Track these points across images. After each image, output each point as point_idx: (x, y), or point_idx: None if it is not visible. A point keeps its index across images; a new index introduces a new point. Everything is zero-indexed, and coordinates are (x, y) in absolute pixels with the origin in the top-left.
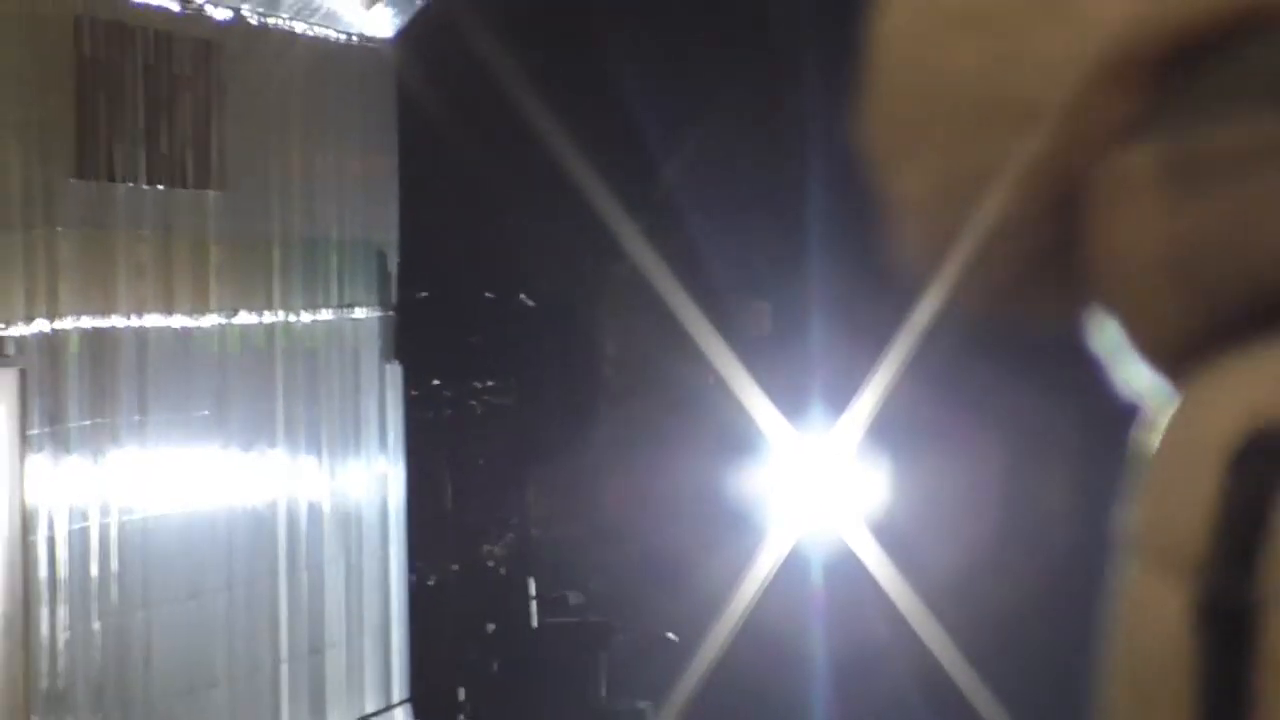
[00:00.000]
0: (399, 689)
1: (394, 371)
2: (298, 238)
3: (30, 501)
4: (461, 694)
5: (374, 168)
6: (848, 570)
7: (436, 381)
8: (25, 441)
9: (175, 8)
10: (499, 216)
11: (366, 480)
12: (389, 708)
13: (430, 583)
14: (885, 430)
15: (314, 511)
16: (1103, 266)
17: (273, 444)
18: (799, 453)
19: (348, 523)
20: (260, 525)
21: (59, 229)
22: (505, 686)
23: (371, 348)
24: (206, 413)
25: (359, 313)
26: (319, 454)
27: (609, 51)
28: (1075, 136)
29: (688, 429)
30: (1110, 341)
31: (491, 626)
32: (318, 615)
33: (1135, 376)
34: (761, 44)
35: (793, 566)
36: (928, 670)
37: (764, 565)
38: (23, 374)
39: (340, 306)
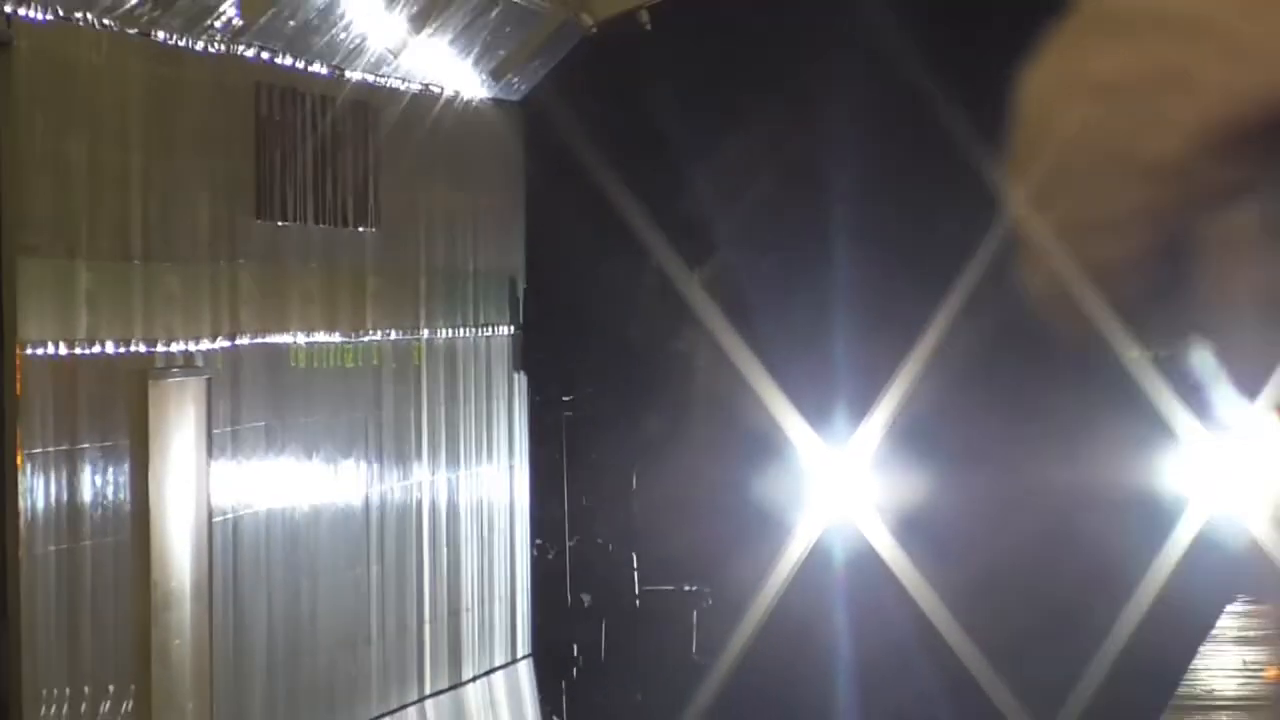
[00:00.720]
0: (523, 645)
1: (521, 381)
2: (440, 268)
3: (213, 489)
4: (575, 649)
5: (504, 208)
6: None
7: (556, 389)
8: (210, 438)
9: (335, 75)
10: (608, 250)
11: (497, 472)
12: (514, 661)
13: (550, 557)
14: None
15: (452, 497)
16: (1209, 304)
17: (418, 441)
18: (837, 454)
19: (481, 507)
20: (406, 509)
21: (241, 261)
22: (611, 644)
23: (502, 361)
24: (363, 415)
25: (491, 331)
26: (458, 449)
27: (697, 112)
28: (1191, 194)
29: (760, 430)
30: (1209, 366)
31: (599, 594)
32: (455, 584)
33: (1225, 398)
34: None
35: (821, 550)
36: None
37: (804, 545)
38: (209, 382)
39: (476, 326)
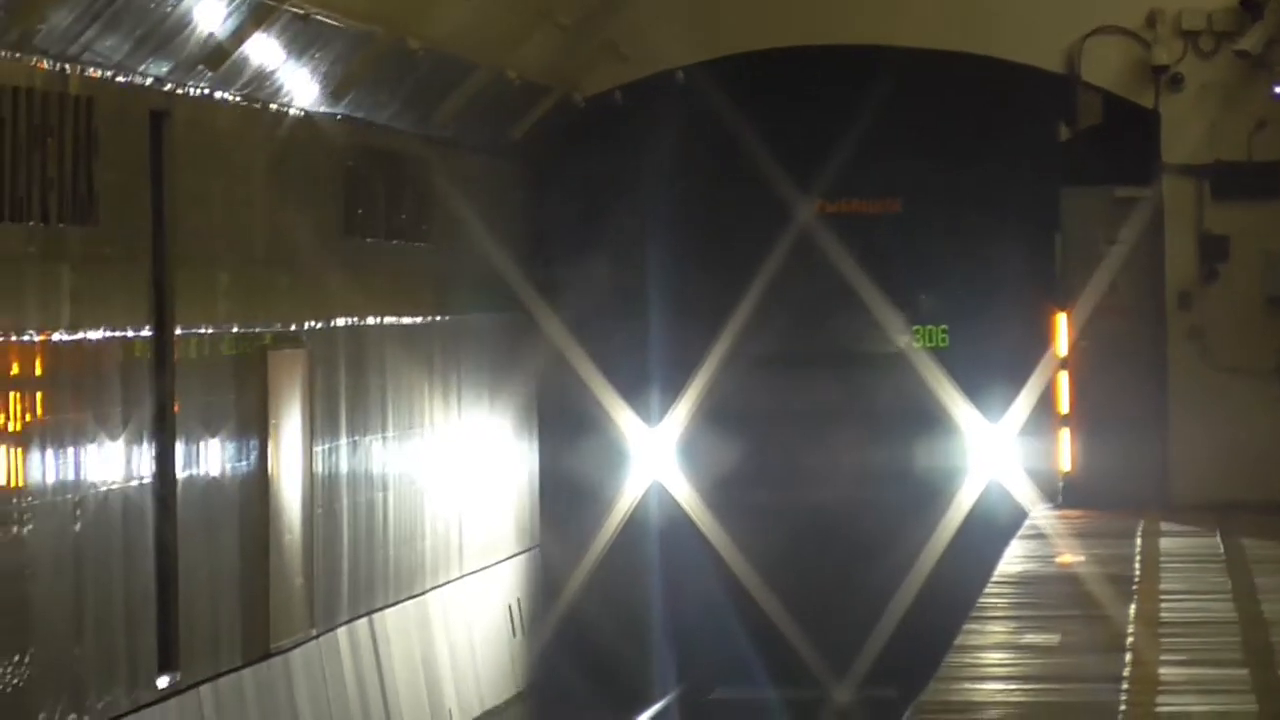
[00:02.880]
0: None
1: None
2: (474, 268)
3: (314, 427)
4: None
5: (509, 224)
6: None
7: None
8: (311, 392)
9: (407, 131)
10: None
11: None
12: (527, 550)
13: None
14: None
15: (459, 438)
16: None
17: (460, 394)
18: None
19: (496, 440)
20: (447, 441)
21: (332, 266)
22: None
23: (515, 340)
24: (426, 378)
25: (509, 314)
26: (489, 405)
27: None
28: None
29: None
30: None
31: None
32: (482, 498)
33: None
34: None
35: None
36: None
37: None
38: (310, 354)
39: (499, 310)
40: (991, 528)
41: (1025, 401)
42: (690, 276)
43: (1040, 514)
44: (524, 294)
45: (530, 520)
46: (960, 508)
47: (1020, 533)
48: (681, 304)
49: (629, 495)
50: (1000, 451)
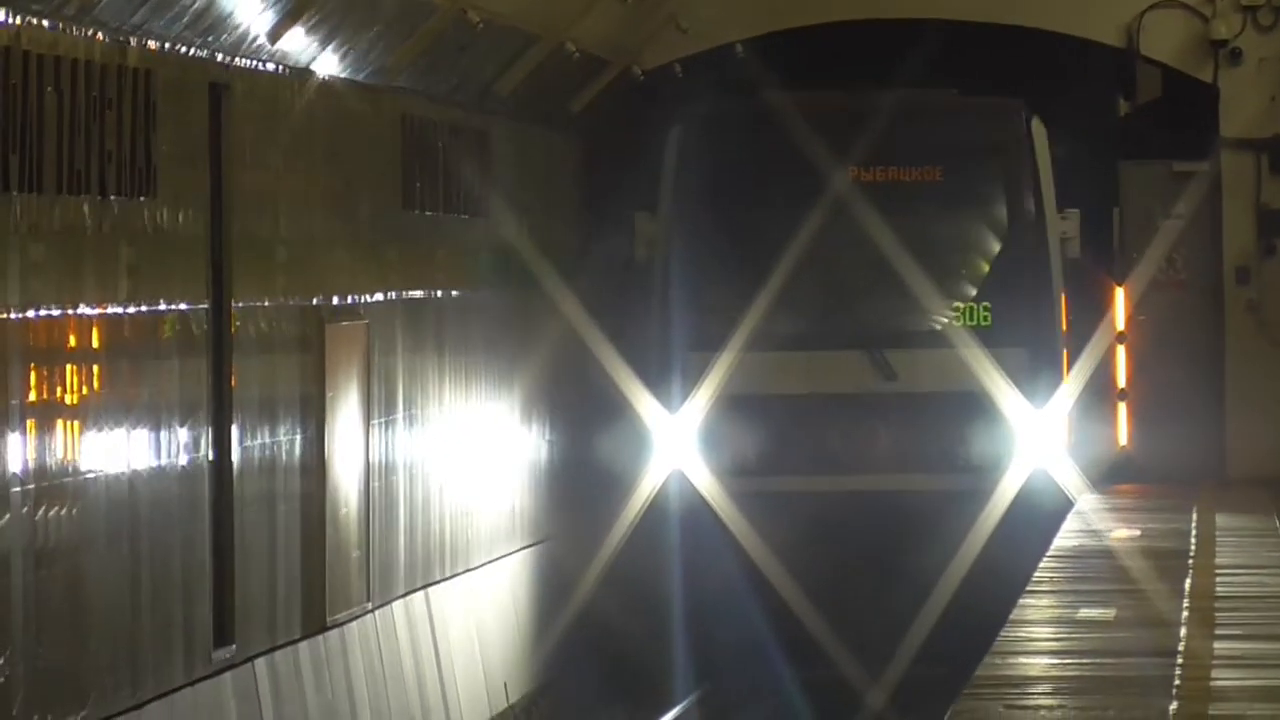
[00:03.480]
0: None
1: None
2: (527, 244)
3: (371, 399)
4: None
5: (565, 199)
6: None
7: None
8: (370, 365)
9: (463, 108)
10: None
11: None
12: (536, 543)
13: None
14: None
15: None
16: None
17: (511, 368)
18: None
19: (538, 424)
20: (501, 418)
21: (392, 239)
22: None
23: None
24: (482, 351)
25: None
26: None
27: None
28: None
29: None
30: None
31: None
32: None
33: None
34: None
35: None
36: None
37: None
38: (369, 327)
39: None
40: (1035, 518)
41: (1074, 384)
42: (715, 256)
43: (1087, 503)
44: (548, 272)
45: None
46: (1002, 498)
47: (1075, 508)
48: (707, 284)
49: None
50: (1047, 437)
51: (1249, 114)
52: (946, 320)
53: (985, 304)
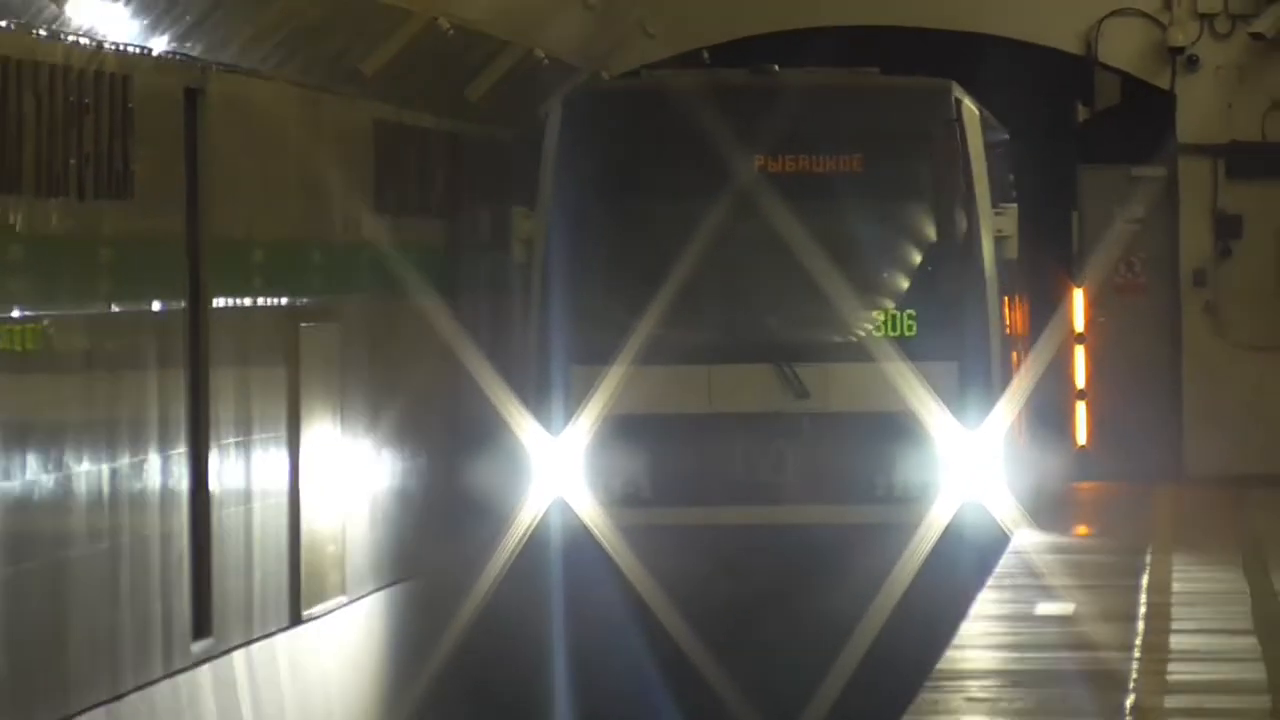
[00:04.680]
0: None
1: None
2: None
3: (343, 401)
4: None
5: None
6: None
7: None
8: (343, 366)
9: (433, 115)
10: None
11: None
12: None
13: None
14: None
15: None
16: None
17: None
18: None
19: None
20: (479, 421)
21: (364, 238)
22: None
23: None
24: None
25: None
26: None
27: None
28: None
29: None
30: None
31: None
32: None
33: None
34: None
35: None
36: None
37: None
38: (339, 327)
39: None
40: (966, 556)
41: (1011, 404)
42: (602, 257)
43: (1025, 541)
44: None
45: None
46: (929, 532)
47: (1033, 506)
48: (593, 288)
49: None
50: (980, 464)
51: (1205, 120)
52: (866, 330)
53: (910, 312)
